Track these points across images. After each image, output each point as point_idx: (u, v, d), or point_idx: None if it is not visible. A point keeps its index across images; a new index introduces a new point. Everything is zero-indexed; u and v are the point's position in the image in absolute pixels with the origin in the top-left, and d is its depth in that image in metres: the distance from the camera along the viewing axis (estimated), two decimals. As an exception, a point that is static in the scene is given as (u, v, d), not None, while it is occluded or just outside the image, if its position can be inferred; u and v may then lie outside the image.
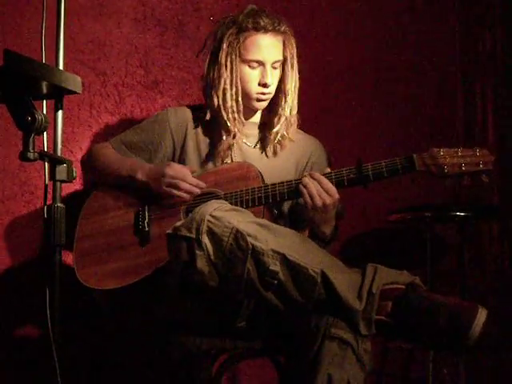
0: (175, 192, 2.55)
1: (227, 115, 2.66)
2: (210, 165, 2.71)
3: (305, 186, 2.42)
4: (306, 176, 2.45)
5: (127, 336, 2.99)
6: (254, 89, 2.67)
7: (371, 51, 3.89)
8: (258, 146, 2.77)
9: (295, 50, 2.71)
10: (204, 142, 2.75)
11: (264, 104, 2.72)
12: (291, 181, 2.49)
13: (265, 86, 2.65)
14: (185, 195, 2.55)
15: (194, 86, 3.29)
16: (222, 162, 2.70)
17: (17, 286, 3.01)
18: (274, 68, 2.66)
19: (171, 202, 2.59)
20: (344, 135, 3.71)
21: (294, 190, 2.47)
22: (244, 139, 2.74)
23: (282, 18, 2.70)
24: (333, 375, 2.05)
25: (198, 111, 2.78)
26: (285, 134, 2.73)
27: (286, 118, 2.72)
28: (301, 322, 2.16)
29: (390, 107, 3.92)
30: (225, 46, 2.65)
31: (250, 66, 2.65)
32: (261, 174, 2.56)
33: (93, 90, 3.17)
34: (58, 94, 1.95)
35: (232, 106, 2.66)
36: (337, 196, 2.41)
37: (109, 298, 2.56)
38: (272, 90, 2.69)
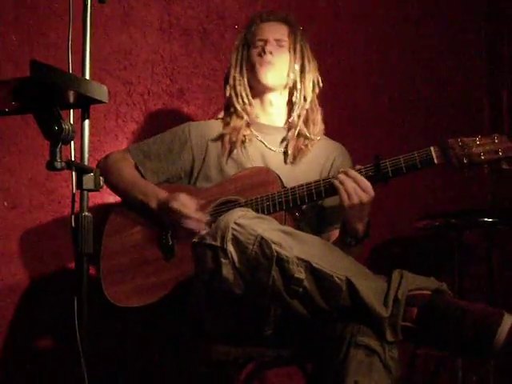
0: (182, 230, 2.56)
1: (237, 99, 2.74)
2: (232, 173, 2.70)
3: (341, 183, 2.40)
4: (341, 173, 2.42)
5: (154, 347, 2.99)
6: (255, 58, 2.75)
7: (396, 59, 3.88)
8: (281, 150, 2.77)
9: (300, 37, 2.80)
10: (225, 152, 2.75)
11: (267, 72, 2.73)
12: (310, 183, 2.47)
13: (263, 50, 2.74)
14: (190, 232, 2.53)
15: (219, 94, 3.30)
16: (239, 164, 2.72)
17: (45, 296, 3.02)
18: (280, 46, 2.75)
19: None
20: (369, 143, 3.69)
21: (313, 193, 2.46)
22: (267, 143, 2.76)
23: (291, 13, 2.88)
24: (360, 383, 2.05)
25: (219, 125, 2.81)
26: (306, 132, 2.75)
27: (302, 107, 2.75)
28: (326, 329, 2.15)
29: (416, 115, 3.90)
30: (236, 42, 2.82)
31: (254, 47, 2.76)
32: (280, 179, 2.56)
33: (119, 100, 3.19)
34: (85, 104, 1.95)
35: (241, 91, 2.75)
36: (373, 194, 2.39)
37: (137, 313, 2.56)
38: (273, 59, 2.73)
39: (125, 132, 3.19)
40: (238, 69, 2.78)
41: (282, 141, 2.78)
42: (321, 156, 2.79)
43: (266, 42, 2.75)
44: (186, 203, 2.57)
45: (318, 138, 2.78)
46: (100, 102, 1.90)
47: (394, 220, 3.74)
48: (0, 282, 2.95)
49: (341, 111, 3.57)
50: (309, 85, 2.78)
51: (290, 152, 2.74)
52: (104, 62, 3.15)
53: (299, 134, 2.75)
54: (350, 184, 2.38)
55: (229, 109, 2.79)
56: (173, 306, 2.49)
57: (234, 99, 2.76)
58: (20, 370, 2.96)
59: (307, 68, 2.79)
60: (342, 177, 2.41)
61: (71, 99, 1.88)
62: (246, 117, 2.74)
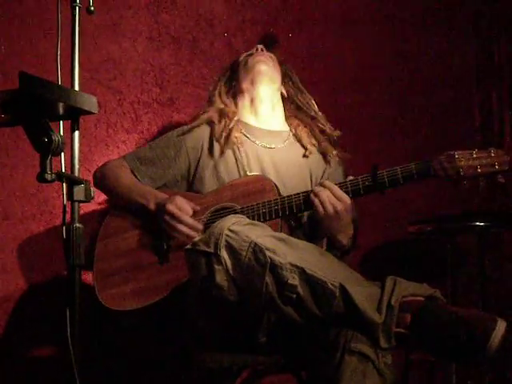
0: (175, 234, 2.56)
1: (221, 101, 2.82)
2: (227, 178, 2.71)
3: (316, 195, 2.43)
4: (317, 185, 2.46)
5: (147, 354, 2.98)
6: (245, 57, 2.86)
7: (386, 63, 3.88)
8: (277, 147, 2.80)
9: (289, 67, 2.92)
10: (220, 157, 2.75)
11: (264, 65, 2.81)
12: (307, 192, 2.48)
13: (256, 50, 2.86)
14: (182, 238, 2.53)
15: (209, 102, 3.31)
16: (235, 157, 2.74)
17: (37, 305, 3.02)
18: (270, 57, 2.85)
19: None
20: (359, 146, 3.70)
21: (309, 200, 2.46)
22: (259, 142, 2.79)
23: None
24: (354, 390, 2.04)
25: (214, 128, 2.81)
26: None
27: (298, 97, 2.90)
28: (320, 336, 2.16)
29: (405, 118, 3.90)
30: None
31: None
32: (276, 187, 2.57)
33: (109, 109, 3.19)
34: (75, 115, 1.94)
35: (215, 95, 2.85)
36: (348, 202, 2.41)
37: (130, 318, 2.56)
38: (268, 57, 2.84)
39: (115, 141, 3.19)
40: (215, 87, 2.88)
41: (278, 140, 2.82)
42: (313, 159, 2.81)
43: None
44: (182, 207, 2.57)
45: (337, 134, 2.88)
46: (90, 112, 1.89)
47: (387, 224, 3.74)
48: (-7, 292, 2.95)
49: (330, 118, 3.56)
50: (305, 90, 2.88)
51: (304, 141, 2.81)
52: (94, 72, 3.15)
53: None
54: (324, 194, 2.41)
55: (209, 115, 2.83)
56: (166, 312, 2.49)
57: (209, 106, 2.85)
58: (13, 379, 2.96)
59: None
60: (317, 188, 2.45)
61: (61, 111, 1.87)
62: (232, 112, 2.79)
